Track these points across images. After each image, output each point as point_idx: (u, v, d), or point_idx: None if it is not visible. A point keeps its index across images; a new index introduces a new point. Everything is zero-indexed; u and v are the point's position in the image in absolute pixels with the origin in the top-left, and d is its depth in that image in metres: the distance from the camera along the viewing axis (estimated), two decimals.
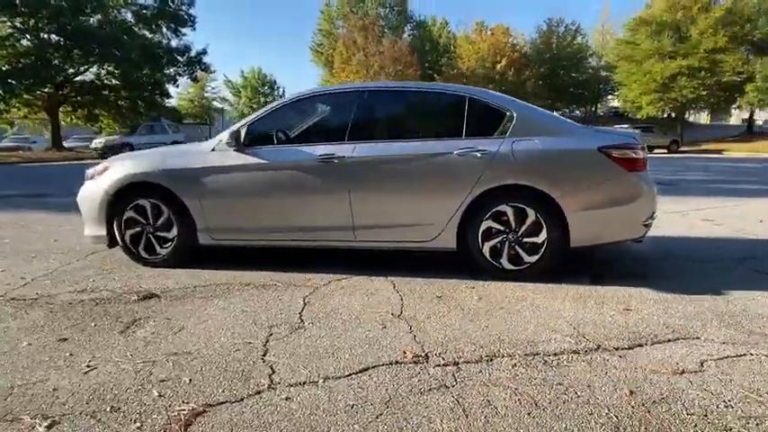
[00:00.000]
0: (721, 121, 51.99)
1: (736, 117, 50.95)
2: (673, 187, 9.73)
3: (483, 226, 3.56)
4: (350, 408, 1.93)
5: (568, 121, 3.92)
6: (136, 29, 31.18)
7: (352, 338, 2.59)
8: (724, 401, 1.95)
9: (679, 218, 6.15)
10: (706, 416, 1.85)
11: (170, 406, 1.95)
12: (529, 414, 1.88)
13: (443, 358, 2.35)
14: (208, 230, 3.89)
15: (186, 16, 32.43)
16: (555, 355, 2.39)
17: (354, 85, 3.97)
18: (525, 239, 3.52)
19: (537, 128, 3.58)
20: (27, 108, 30.54)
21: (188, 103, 53.11)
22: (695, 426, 1.79)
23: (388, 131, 3.87)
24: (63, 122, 32.70)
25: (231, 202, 3.83)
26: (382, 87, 4.11)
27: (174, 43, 32.49)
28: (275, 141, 3.86)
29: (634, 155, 3.48)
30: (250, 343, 2.54)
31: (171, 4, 31.29)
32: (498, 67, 44.04)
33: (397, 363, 2.31)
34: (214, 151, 3.88)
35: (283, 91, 66.75)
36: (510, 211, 3.51)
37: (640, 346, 2.49)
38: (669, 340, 2.55)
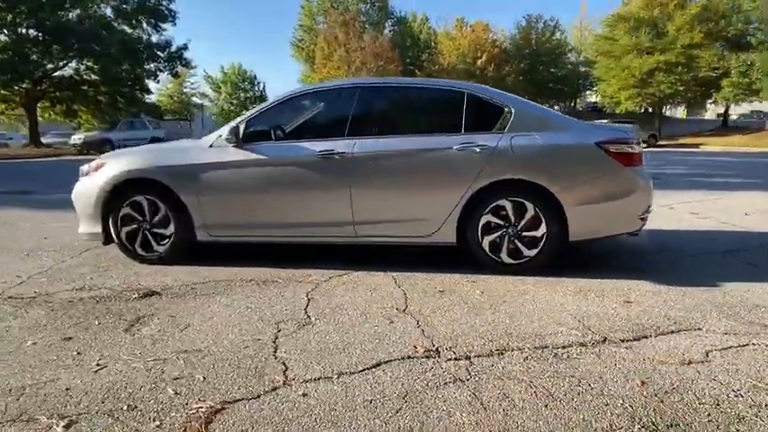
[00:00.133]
0: (697, 116, 53.07)
1: (712, 112, 52.05)
2: (657, 181, 9.85)
3: (482, 220, 3.59)
4: (368, 403, 1.94)
5: (565, 116, 3.97)
6: (115, 24, 30.55)
7: (361, 334, 2.60)
8: (733, 390, 2.01)
9: (667, 211, 6.28)
10: (718, 405, 1.91)
11: (187, 404, 1.94)
12: (546, 406, 1.91)
13: (454, 352, 2.38)
14: (206, 227, 3.85)
15: (166, 11, 31.86)
16: (564, 347, 2.43)
17: (353, 81, 3.96)
18: (524, 233, 3.57)
19: (535, 123, 3.62)
20: (4, 104, 29.77)
21: (167, 99, 52.23)
22: (708, 415, 1.85)
23: (387, 127, 3.87)
24: (40, 118, 31.90)
25: (230, 199, 3.80)
26: (381, 83, 4.11)
27: (154, 38, 31.97)
28: (274, 137, 3.83)
29: (630, 149, 3.54)
30: (259, 339, 2.53)
31: None
32: (479, 62, 44.31)
33: (409, 357, 2.33)
34: (212, 147, 3.84)
35: (264, 86, 66.07)
36: (509, 206, 3.55)
37: (645, 337, 2.55)
38: (672, 332, 2.61)
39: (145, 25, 31.71)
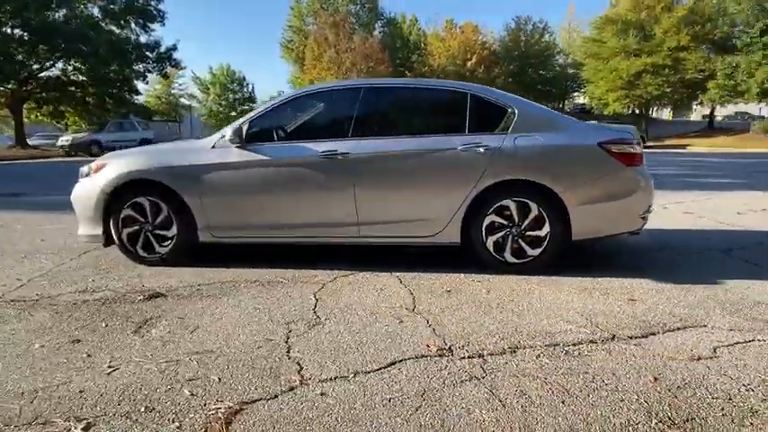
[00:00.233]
0: (683, 118, 53.80)
1: (697, 113, 52.81)
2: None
3: (487, 220, 3.61)
4: (387, 401, 1.94)
5: (567, 116, 4.01)
6: (103, 24, 30.22)
7: (373, 333, 2.60)
8: (744, 385, 2.05)
9: (662, 211, 6.36)
10: (730, 399, 1.94)
11: (205, 405, 1.93)
12: (563, 402, 1.93)
13: (467, 351, 2.39)
14: (209, 228, 3.83)
15: (155, 11, 31.64)
16: (574, 345, 2.46)
17: (356, 81, 3.96)
18: (528, 233, 3.60)
19: (537, 123, 3.65)
20: None
21: (155, 100, 51.71)
22: (722, 409, 1.88)
23: (391, 127, 3.89)
24: (26, 120, 31.46)
25: (233, 199, 3.79)
26: (385, 84, 4.13)
27: (143, 39, 31.69)
28: (277, 138, 3.84)
29: (632, 150, 3.59)
30: (271, 340, 2.53)
31: None
32: (469, 64, 44.55)
33: (422, 356, 2.34)
34: (215, 148, 3.82)
35: (252, 88, 65.77)
36: (513, 206, 3.58)
37: (653, 334, 2.58)
38: (679, 328, 2.65)
39: (133, 25, 31.46)
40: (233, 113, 62.48)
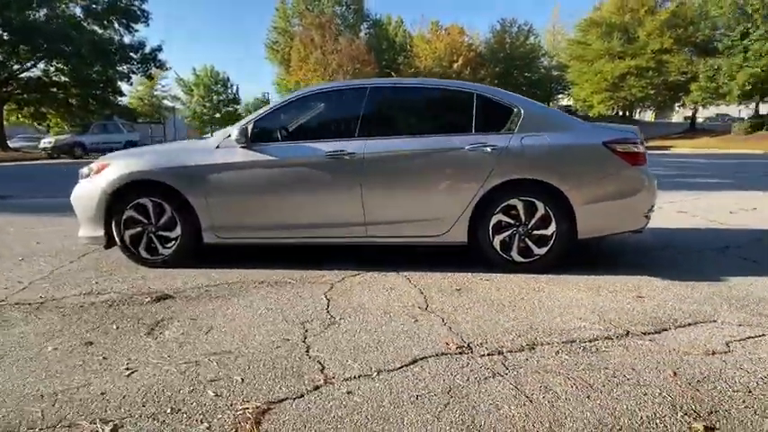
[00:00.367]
0: (665, 119, 54.72)
1: (679, 115, 53.76)
2: None
3: (494, 220, 3.63)
4: (415, 399, 1.95)
5: (570, 116, 4.06)
6: (85, 24, 29.72)
7: (390, 332, 2.60)
8: (761, 378, 2.09)
9: (657, 210, 6.42)
10: (750, 392, 1.98)
11: (231, 405, 1.91)
12: (588, 397, 1.95)
13: (486, 348, 2.40)
14: (213, 229, 3.79)
15: (139, 12, 31.17)
16: (590, 341, 2.48)
17: (362, 81, 3.97)
18: (535, 232, 3.63)
19: (543, 123, 3.69)
20: None
21: (137, 102, 50.95)
22: (743, 402, 1.92)
23: (397, 127, 3.89)
24: (6, 121, 30.81)
25: (239, 200, 3.76)
26: (390, 84, 4.15)
27: (126, 39, 31.19)
28: (283, 138, 3.82)
29: (636, 149, 3.64)
30: (288, 340, 2.51)
31: None
32: (455, 66, 44.74)
33: (443, 354, 2.35)
34: (219, 148, 3.79)
35: (237, 89, 65.34)
36: (520, 205, 3.61)
37: (666, 330, 2.62)
38: (690, 324, 2.70)
39: (116, 26, 30.97)
40: (217, 115, 62.06)
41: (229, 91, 65.66)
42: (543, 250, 3.63)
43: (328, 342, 2.48)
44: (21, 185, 11.22)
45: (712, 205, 7.00)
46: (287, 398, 1.97)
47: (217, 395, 1.99)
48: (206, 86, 62.89)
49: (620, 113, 42.93)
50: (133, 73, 31.79)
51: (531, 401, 1.92)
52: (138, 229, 3.86)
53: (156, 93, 55.25)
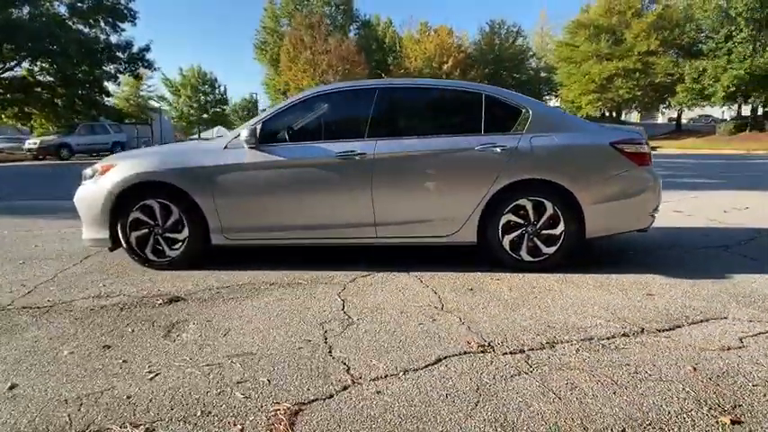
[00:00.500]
0: (650, 120, 55.41)
1: (664, 116, 54.49)
2: None
3: (503, 220, 3.66)
4: (445, 397, 1.96)
5: (577, 117, 4.10)
6: (70, 23, 29.30)
7: (410, 332, 2.61)
8: None
9: None
10: None
11: (262, 406, 1.91)
12: (614, 393, 1.98)
13: (508, 347, 2.42)
14: (222, 230, 3.77)
15: (125, 11, 30.82)
16: (608, 338, 2.52)
17: (370, 82, 3.97)
18: (543, 232, 3.66)
19: (551, 124, 3.73)
20: None
21: (123, 102, 50.24)
22: (765, 395, 1.96)
23: (407, 128, 3.90)
24: None
25: (248, 201, 3.74)
26: (400, 84, 4.15)
27: (113, 39, 30.81)
28: (292, 138, 3.80)
29: (642, 149, 3.70)
30: (309, 341, 2.51)
31: None
32: (445, 67, 44.94)
33: (465, 353, 2.36)
34: (227, 149, 3.77)
35: (225, 89, 64.98)
36: (529, 205, 3.64)
37: (679, 327, 2.67)
38: (702, 321, 2.75)
39: (103, 25, 30.57)
40: (205, 116, 61.60)
41: (217, 91, 65.25)
42: (552, 249, 3.66)
43: (350, 342, 2.48)
44: (8, 187, 11.03)
45: (706, 205, 7.12)
46: (317, 398, 1.96)
47: (246, 397, 1.98)
48: (193, 87, 62.37)
49: (607, 115, 43.39)
50: (120, 73, 31.47)
51: (559, 398, 1.94)
52: (145, 230, 3.82)
53: (141, 93, 54.50)
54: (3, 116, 31.70)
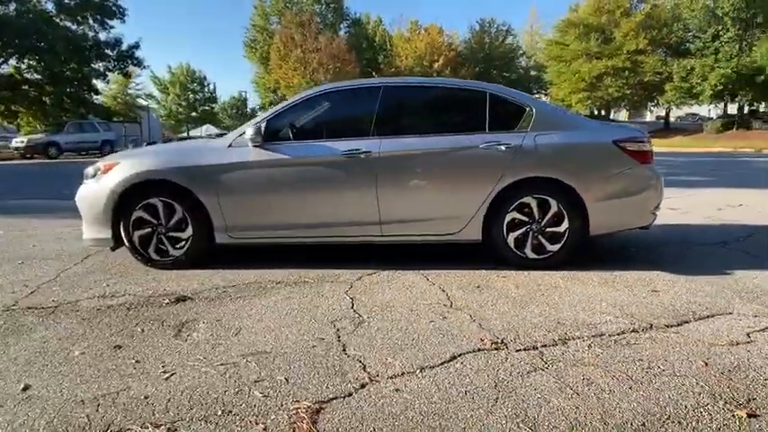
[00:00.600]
0: (638, 119, 55.96)
1: (652, 115, 55.08)
2: None
3: (508, 217, 3.68)
4: (464, 394, 1.97)
5: (579, 115, 4.13)
6: (57, 20, 28.90)
7: (421, 329, 2.62)
8: None
9: None
10: None
11: (282, 405, 1.90)
12: (630, 388, 2.01)
13: (521, 343, 2.44)
14: (226, 229, 3.75)
15: (114, 8, 30.51)
16: (619, 334, 2.54)
17: (376, 80, 3.98)
18: (548, 229, 3.69)
19: (555, 122, 3.76)
20: None
21: (110, 100, 49.58)
22: None
23: (412, 126, 3.90)
24: None
25: (253, 200, 3.73)
26: (405, 83, 4.15)
27: (102, 36, 30.46)
28: (297, 136, 3.79)
29: (645, 147, 3.74)
30: (322, 339, 2.51)
31: None
32: (436, 65, 45.04)
33: (479, 350, 2.37)
34: (232, 147, 3.75)
35: (214, 87, 64.56)
36: (533, 203, 3.66)
37: (687, 322, 2.70)
38: (708, 316, 2.79)
39: (91, 22, 30.20)
40: (193, 114, 61.12)
41: (206, 89, 64.76)
42: (556, 247, 3.69)
43: (363, 340, 2.49)
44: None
45: (700, 202, 7.22)
46: (336, 397, 1.97)
47: (265, 396, 1.97)
48: (182, 85, 61.83)
49: (597, 113, 43.78)
50: (109, 71, 31.14)
51: (577, 394, 1.96)
52: (148, 229, 3.79)
53: (129, 91, 53.87)
54: None
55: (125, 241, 3.81)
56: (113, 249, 3.94)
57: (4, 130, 34.90)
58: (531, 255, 3.72)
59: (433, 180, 3.68)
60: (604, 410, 1.85)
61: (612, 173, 3.67)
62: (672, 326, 2.66)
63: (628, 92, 36.55)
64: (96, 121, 27.94)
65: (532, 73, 51.10)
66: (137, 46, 31.34)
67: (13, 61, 28.15)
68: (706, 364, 2.21)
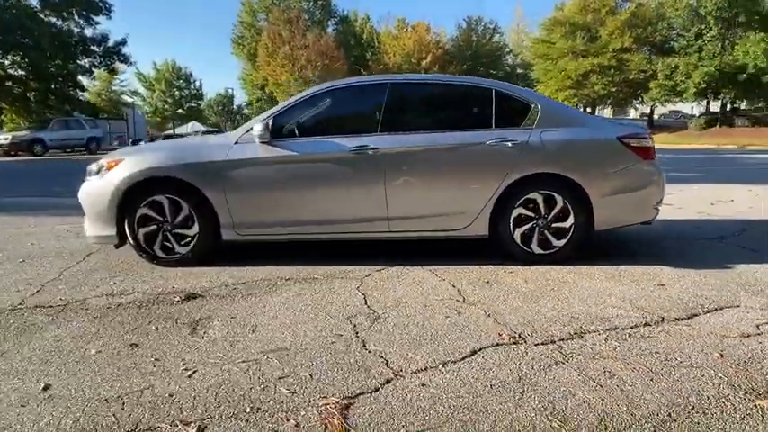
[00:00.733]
0: (623, 116, 56.60)
1: (636, 112, 55.75)
2: None
3: (514, 213, 3.71)
4: (490, 388, 1.99)
5: (582, 112, 4.17)
6: (42, 15, 28.35)
7: (438, 325, 2.63)
8: None
9: None
10: None
11: (310, 401, 1.91)
12: (651, 380, 2.04)
13: (539, 337, 2.47)
14: (233, 226, 3.73)
15: (100, 3, 30.02)
16: (632, 328, 2.59)
17: (382, 77, 3.98)
18: (554, 225, 3.73)
19: (560, 119, 3.79)
20: None
21: (94, 97, 48.77)
22: None
23: (419, 123, 3.91)
24: None
25: (260, 196, 3.71)
26: (411, 80, 4.15)
27: (88, 32, 29.97)
28: (303, 133, 3.78)
29: (648, 144, 3.80)
30: (341, 335, 2.51)
31: None
32: (424, 63, 45.11)
33: (498, 344, 2.40)
34: (239, 144, 3.73)
35: (200, 84, 63.97)
36: (540, 199, 3.70)
37: (696, 315, 2.75)
38: (716, 309, 2.84)
39: (77, 17, 29.70)
40: (180, 111, 60.47)
41: (192, 86, 64.10)
42: (562, 242, 3.73)
43: (381, 336, 2.49)
44: None
45: (692, 198, 7.34)
46: (362, 392, 1.97)
47: (291, 392, 1.97)
48: (167, 82, 61.13)
49: (583, 110, 44.26)
50: (95, 67, 30.66)
51: (600, 386, 1.99)
52: (153, 227, 3.75)
53: (114, 88, 53.05)
54: None
55: (129, 239, 3.77)
56: (117, 247, 3.90)
57: None
58: (538, 250, 3.75)
59: (441, 176, 3.69)
60: (629, 402, 1.88)
61: (617, 169, 3.71)
62: (682, 319, 2.70)
63: (613, 89, 37.03)
64: (82, 118, 27.51)
65: (519, 71, 51.41)
66: (124, 42, 30.94)
67: None
68: (721, 355, 2.26)
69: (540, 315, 2.76)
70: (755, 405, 1.86)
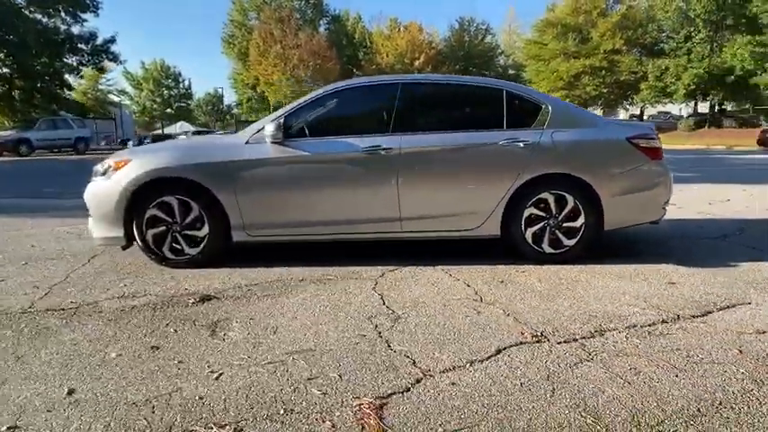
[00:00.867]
0: (612, 117, 57.11)
1: (626, 113, 56.26)
2: None
3: (526, 213, 3.74)
4: (521, 386, 2.00)
5: (592, 113, 4.21)
6: (27, 12, 27.91)
7: (459, 324, 2.64)
8: None
9: None
10: None
11: (343, 402, 1.90)
12: (677, 376, 2.07)
13: (560, 336, 2.49)
14: (244, 227, 3.71)
15: (87, 1, 29.63)
16: (650, 325, 2.61)
17: (393, 77, 3.98)
18: (564, 224, 3.75)
19: (570, 119, 3.82)
20: None
21: (80, 96, 48.12)
22: None
23: (431, 123, 3.91)
24: None
25: (271, 197, 3.69)
26: (423, 80, 4.17)
27: (75, 30, 29.59)
28: (314, 133, 3.77)
29: (656, 144, 3.84)
30: (363, 335, 2.51)
31: None
32: (417, 63, 45.19)
33: (522, 343, 2.41)
34: (249, 143, 3.71)
35: (189, 83, 63.59)
36: (551, 199, 3.73)
37: (710, 312, 2.79)
38: (729, 306, 2.88)
39: (63, 15, 29.28)
40: (168, 110, 60.00)
41: (181, 86, 63.65)
42: (572, 242, 3.76)
43: (405, 336, 2.50)
44: None
45: (691, 197, 7.42)
46: (394, 392, 1.97)
47: (323, 393, 1.97)
48: (156, 81, 60.65)
49: None
50: (83, 65, 30.26)
51: (628, 383, 2.01)
52: (162, 228, 3.72)
53: (100, 87, 52.36)
54: None
55: (138, 240, 3.74)
56: (125, 248, 3.86)
57: None
58: (549, 249, 3.78)
59: (453, 176, 3.70)
60: (658, 398, 1.90)
61: (626, 169, 3.75)
62: (697, 316, 2.74)
63: (605, 90, 37.40)
64: (70, 117, 27.15)
65: (511, 72, 51.63)
66: (112, 40, 30.61)
67: None
68: (741, 351, 2.30)
69: (558, 314, 2.78)
70: None
